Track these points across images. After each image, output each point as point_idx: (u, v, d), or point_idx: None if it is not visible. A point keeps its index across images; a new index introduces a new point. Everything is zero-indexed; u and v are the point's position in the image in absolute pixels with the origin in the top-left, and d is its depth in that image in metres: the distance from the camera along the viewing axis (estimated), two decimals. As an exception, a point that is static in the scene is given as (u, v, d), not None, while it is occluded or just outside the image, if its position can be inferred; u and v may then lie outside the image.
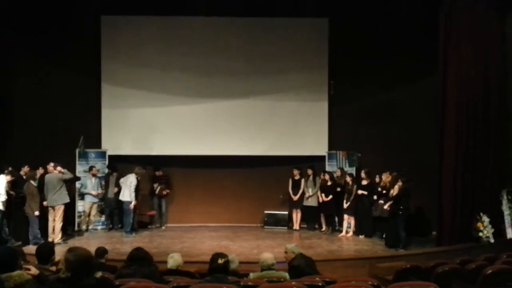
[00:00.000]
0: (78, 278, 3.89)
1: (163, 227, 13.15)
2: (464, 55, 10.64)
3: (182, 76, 13.50)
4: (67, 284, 3.89)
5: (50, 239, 10.48)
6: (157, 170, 13.40)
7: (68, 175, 11.18)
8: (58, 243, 10.29)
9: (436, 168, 10.86)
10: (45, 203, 10.83)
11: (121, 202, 12.16)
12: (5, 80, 12.15)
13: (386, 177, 11.54)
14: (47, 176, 11.06)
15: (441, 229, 10.76)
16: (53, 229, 10.87)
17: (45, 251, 5.49)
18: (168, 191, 13.34)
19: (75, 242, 10.98)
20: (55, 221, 10.89)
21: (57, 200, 10.87)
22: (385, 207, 11.11)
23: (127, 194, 11.93)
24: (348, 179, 12.34)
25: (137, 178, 12.06)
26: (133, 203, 11.88)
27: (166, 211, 13.38)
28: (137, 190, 12.13)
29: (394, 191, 10.81)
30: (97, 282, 4.02)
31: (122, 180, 12.22)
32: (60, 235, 10.90)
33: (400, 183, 10.72)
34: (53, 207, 10.86)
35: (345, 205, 12.18)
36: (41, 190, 10.85)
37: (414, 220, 11.42)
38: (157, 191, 13.14)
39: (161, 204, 13.25)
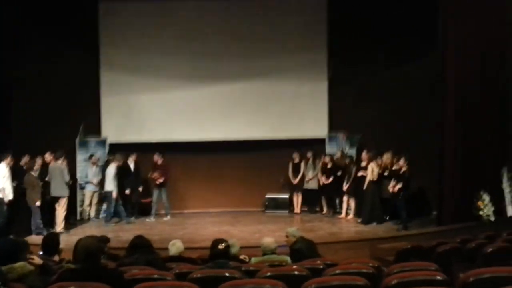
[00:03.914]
0: (86, 268, 3.95)
1: (166, 218, 12.56)
2: (464, 29, 10.56)
3: (181, 60, 13.44)
4: (75, 274, 3.95)
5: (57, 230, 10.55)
6: (158, 157, 12.76)
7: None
8: (60, 232, 10.34)
9: (436, 148, 10.88)
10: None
11: (121, 191, 12.22)
12: (3, 71, 12.11)
13: (387, 158, 11.58)
14: (51, 166, 11.13)
15: (441, 208, 10.80)
16: (57, 218, 10.98)
17: (51, 243, 5.50)
18: (160, 180, 12.50)
19: (77, 231, 11.06)
20: (58, 212, 10.97)
21: (57, 191, 10.95)
22: (390, 189, 11.09)
23: (107, 183, 11.92)
24: (347, 161, 12.36)
25: (117, 166, 12.02)
26: (114, 192, 11.85)
27: (167, 200, 12.73)
28: (121, 177, 12.10)
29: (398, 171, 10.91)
30: (105, 273, 4.09)
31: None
32: (62, 225, 10.97)
33: (403, 164, 10.77)
34: (57, 198, 10.95)
35: (345, 187, 12.19)
36: (42, 180, 10.91)
37: (414, 200, 11.48)
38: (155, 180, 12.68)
39: (161, 192, 12.61)
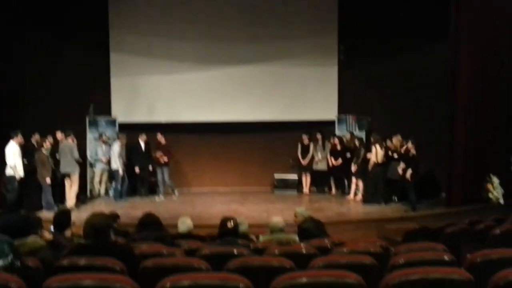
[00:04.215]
0: (96, 244, 4.01)
1: (174, 196, 12.74)
2: (477, 19, 10.48)
3: (190, 43, 13.43)
4: (86, 249, 4.01)
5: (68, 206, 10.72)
6: (161, 136, 12.79)
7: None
8: (71, 208, 10.50)
9: (445, 131, 10.87)
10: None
11: (131, 169, 12.40)
12: (14, 52, 12.14)
13: (396, 141, 11.57)
14: (61, 144, 11.26)
15: (450, 190, 10.82)
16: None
17: (63, 219, 5.55)
18: (165, 159, 12.52)
19: (87, 208, 11.15)
20: (70, 188, 11.15)
21: (66, 168, 11.08)
22: (400, 171, 11.06)
23: (113, 161, 12.08)
24: (357, 142, 12.33)
25: (121, 145, 12.17)
26: (119, 170, 12.00)
27: (170, 179, 12.78)
28: (130, 156, 12.38)
29: (407, 154, 10.88)
30: (115, 248, 4.14)
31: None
32: (73, 201, 11.14)
33: (411, 147, 10.75)
34: (68, 175, 11.06)
35: (353, 168, 12.17)
36: (53, 158, 11.02)
37: (423, 182, 11.47)
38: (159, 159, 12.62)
39: (163, 172, 12.65)
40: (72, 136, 11.39)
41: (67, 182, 11.17)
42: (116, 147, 12.06)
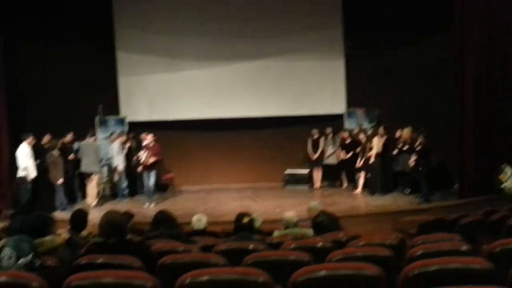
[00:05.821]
0: (113, 242, 4.02)
1: (146, 205, 11.29)
2: (483, 7, 10.40)
3: (197, 40, 13.40)
4: (103, 247, 4.02)
5: (88, 203, 11.07)
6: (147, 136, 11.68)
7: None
8: (94, 207, 10.99)
9: (456, 122, 10.79)
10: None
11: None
12: (22, 53, 12.19)
13: (406, 133, 11.50)
14: (82, 143, 11.46)
15: (463, 181, 10.75)
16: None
17: (79, 219, 5.58)
18: (152, 160, 11.30)
19: (101, 207, 11.17)
20: (92, 187, 11.37)
21: (90, 167, 11.32)
22: (410, 162, 10.99)
23: (116, 160, 12.07)
24: (362, 136, 12.25)
25: (122, 143, 12.17)
26: (119, 167, 11.95)
27: (154, 185, 11.52)
28: (128, 153, 12.32)
29: (418, 146, 10.83)
30: (132, 246, 4.15)
31: None
32: (96, 200, 11.38)
33: (422, 139, 10.70)
34: (88, 174, 11.31)
35: (360, 162, 12.04)
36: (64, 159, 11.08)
37: (435, 174, 11.41)
38: (141, 160, 11.48)
39: (149, 177, 11.42)
40: (95, 136, 11.75)
41: (88, 182, 11.42)
42: (115, 145, 12.07)
